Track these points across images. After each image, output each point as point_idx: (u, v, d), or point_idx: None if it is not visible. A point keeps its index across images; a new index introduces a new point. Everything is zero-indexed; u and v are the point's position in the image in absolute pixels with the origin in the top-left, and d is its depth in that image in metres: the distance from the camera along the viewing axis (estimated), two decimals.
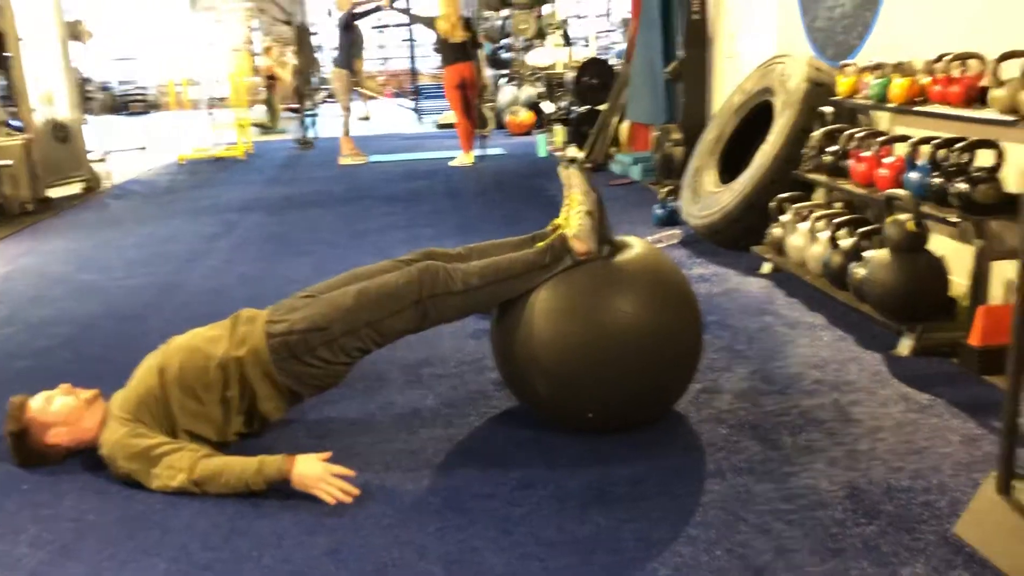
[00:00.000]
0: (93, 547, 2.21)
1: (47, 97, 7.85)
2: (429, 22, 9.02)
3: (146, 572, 2.10)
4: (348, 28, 9.73)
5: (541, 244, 2.70)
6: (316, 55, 12.84)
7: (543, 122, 11.69)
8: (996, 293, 3.40)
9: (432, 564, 2.07)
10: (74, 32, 8.32)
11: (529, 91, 12.81)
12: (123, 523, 2.32)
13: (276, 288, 4.54)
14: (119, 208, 7.43)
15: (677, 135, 6.73)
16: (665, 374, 2.67)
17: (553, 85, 11.83)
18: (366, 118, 15.47)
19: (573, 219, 2.70)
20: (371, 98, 16.45)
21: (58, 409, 2.62)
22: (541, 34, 13.26)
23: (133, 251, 5.62)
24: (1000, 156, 3.19)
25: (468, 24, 9.08)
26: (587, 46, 12.26)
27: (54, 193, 7.66)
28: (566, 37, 12.08)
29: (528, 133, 11.68)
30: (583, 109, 8.83)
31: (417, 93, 15.73)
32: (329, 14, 9.58)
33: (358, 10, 9.70)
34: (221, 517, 2.31)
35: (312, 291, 2.75)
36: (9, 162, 6.84)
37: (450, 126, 13.12)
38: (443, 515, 2.28)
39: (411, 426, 2.84)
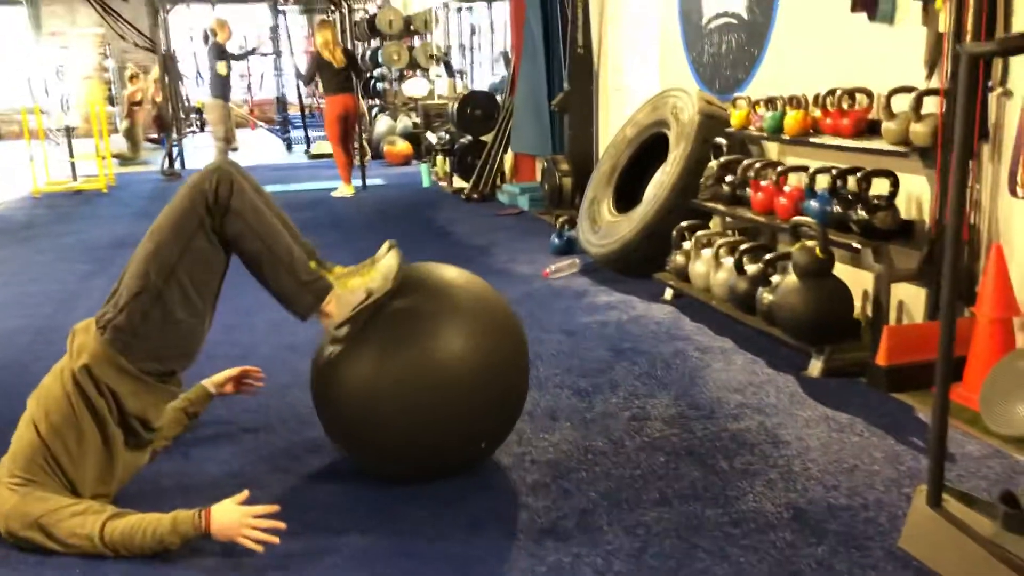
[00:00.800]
0: None
1: None
2: (316, 66, 8.89)
3: None
4: (222, 58, 9.47)
5: (314, 267, 2.50)
6: (181, 83, 12.37)
7: (421, 152, 11.68)
8: (894, 315, 3.60)
9: None
10: None
11: (405, 121, 12.78)
12: None
13: None
14: None
15: (565, 166, 6.85)
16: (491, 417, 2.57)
17: (431, 115, 11.84)
18: (234, 148, 15.00)
19: (352, 283, 2.49)
20: (238, 127, 15.97)
21: None
22: (414, 64, 13.29)
23: (0, 292, 5.21)
24: (895, 184, 3.38)
25: (349, 52, 9.00)
26: (463, 78, 12.33)
27: None
28: (448, 68, 12.13)
29: (407, 163, 11.62)
30: (467, 140, 8.85)
31: (286, 123, 15.39)
32: (191, 39, 9.26)
33: (235, 52, 9.53)
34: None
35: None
36: None
37: (321, 156, 12.94)
38: (397, 562, 2.19)
39: (325, 475, 2.72)
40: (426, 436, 2.44)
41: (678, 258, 4.38)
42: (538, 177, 8.36)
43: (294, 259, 2.44)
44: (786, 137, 4.01)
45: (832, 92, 3.77)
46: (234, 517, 2.19)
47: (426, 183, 9.53)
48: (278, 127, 16.20)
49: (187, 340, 2.46)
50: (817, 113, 3.88)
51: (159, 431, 2.61)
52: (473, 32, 14.61)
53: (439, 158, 9.97)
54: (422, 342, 2.42)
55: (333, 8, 14.70)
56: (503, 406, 2.58)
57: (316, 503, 2.51)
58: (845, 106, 3.72)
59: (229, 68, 9.79)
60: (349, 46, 14.37)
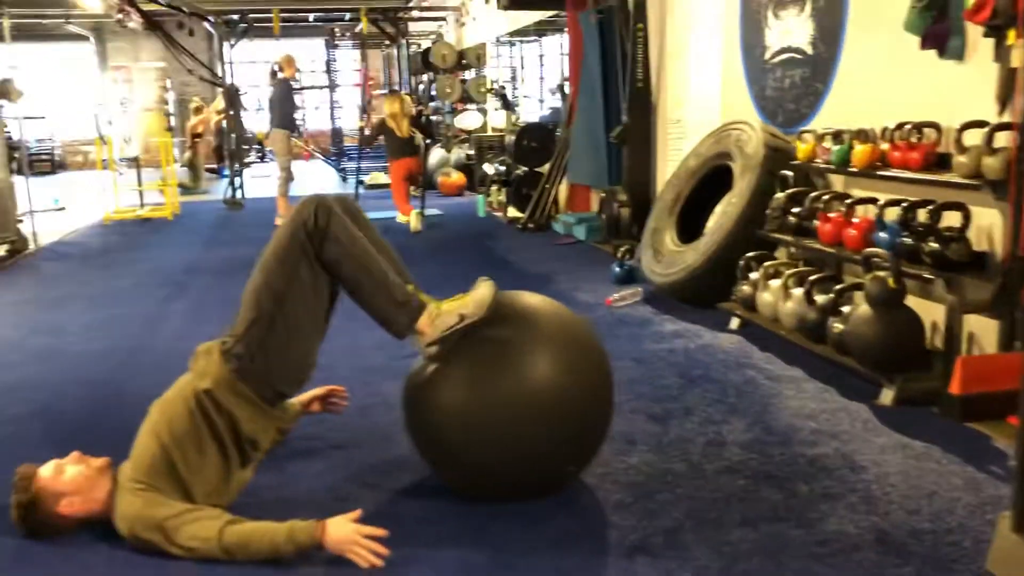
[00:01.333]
0: None
1: None
2: (379, 131, 9.15)
3: None
4: (289, 91, 9.80)
5: (411, 290, 2.63)
6: (242, 116, 12.74)
7: (475, 183, 11.89)
8: (964, 346, 3.63)
9: None
10: (3, 91, 8.08)
11: (458, 153, 13.01)
12: None
13: None
14: (54, 270, 7.18)
15: (623, 196, 6.96)
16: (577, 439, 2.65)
17: (484, 147, 12.05)
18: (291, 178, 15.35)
19: (446, 306, 2.60)
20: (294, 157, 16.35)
21: (71, 478, 2.52)
22: (467, 98, 13.55)
23: (84, 315, 5.44)
24: (967, 217, 3.44)
25: (418, 118, 9.25)
26: (515, 109, 12.54)
27: None
28: (505, 101, 12.35)
29: (460, 194, 11.83)
30: (523, 171, 9.02)
31: (341, 153, 15.74)
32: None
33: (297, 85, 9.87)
34: None
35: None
36: None
37: (376, 187, 13.21)
38: (492, 573, 2.29)
39: (420, 491, 2.83)
40: (515, 457, 2.54)
41: (744, 288, 4.45)
42: (593, 207, 8.51)
43: (389, 281, 2.58)
44: (854, 169, 4.08)
45: (901, 126, 3.84)
46: (347, 532, 2.32)
47: (481, 213, 9.71)
48: (333, 158, 16.56)
49: (300, 365, 2.63)
50: (885, 146, 3.95)
51: (264, 451, 2.75)
52: (521, 67, 14.88)
53: (494, 188, 10.16)
54: (513, 367, 2.53)
55: (388, 43, 15.08)
56: (590, 429, 2.67)
57: (408, 516, 2.62)
58: (913, 140, 3.79)
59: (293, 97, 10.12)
60: (402, 79, 14.74)
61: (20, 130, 9.37)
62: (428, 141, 10.37)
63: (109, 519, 2.52)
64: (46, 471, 2.53)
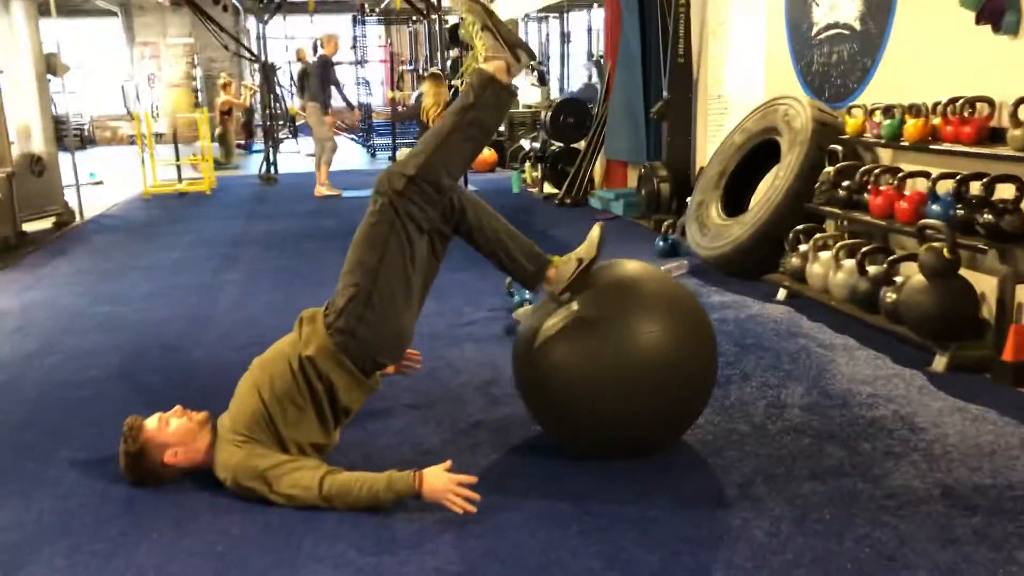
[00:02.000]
0: (254, 556, 2.29)
1: (24, 130, 7.75)
2: (411, 111, 9.22)
3: None
4: (327, 67, 9.92)
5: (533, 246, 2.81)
6: (279, 92, 12.86)
7: (506, 159, 11.98)
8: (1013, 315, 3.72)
9: (589, 561, 2.22)
10: (50, 65, 8.23)
11: None
12: (270, 534, 2.40)
13: None
14: (104, 242, 7.35)
15: (663, 172, 7.05)
16: (684, 402, 2.77)
17: (515, 123, 12.14)
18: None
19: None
20: None
21: (174, 430, 2.68)
22: None
23: (141, 284, 5.61)
24: (1021, 189, 3.52)
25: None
26: (546, 85, 12.60)
27: (28, 227, 7.54)
28: (542, 77, 12.41)
29: (491, 170, 11.92)
30: (559, 147, 9.11)
31: (370, 130, 15.83)
32: (287, 49, 9.70)
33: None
34: (365, 526, 2.41)
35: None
36: None
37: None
38: (580, 519, 2.43)
39: (502, 446, 2.97)
40: (624, 417, 2.65)
41: (794, 260, 4.56)
42: (629, 183, 8.59)
43: (520, 240, 2.79)
44: (905, 144, 4.17)
45: (954, 100, 3.92)
46: (443, 481, 2.45)
47: (515, 189, 9.81)
48: (361, 134, 16.65)
49: (398, 338, 2.75)
50: (936, 121, 4.03)
51: (353, 416, 2.89)
52: (551, 41, 14.91)
53: (528, 164, 10.25)
54: (624, 332, 2.63)
55: (418, 18, 15.12)
56: (697, 394, 2.79)
57: (491, 469, 2.76)
58: (966, 114, 3.87)
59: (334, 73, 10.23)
60: (431, 55, 14.79)
61: (66, 104, 9.50)
62: None
63: (209, 469, 2.68)
64: (152, 423, 2.69)
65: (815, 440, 2.91)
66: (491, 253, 2.81)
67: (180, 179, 10.74)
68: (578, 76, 13.91)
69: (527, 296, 4.53)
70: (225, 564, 2.27)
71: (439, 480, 2.47)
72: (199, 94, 20.68)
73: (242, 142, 16.39)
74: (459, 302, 4.83)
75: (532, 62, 2.71)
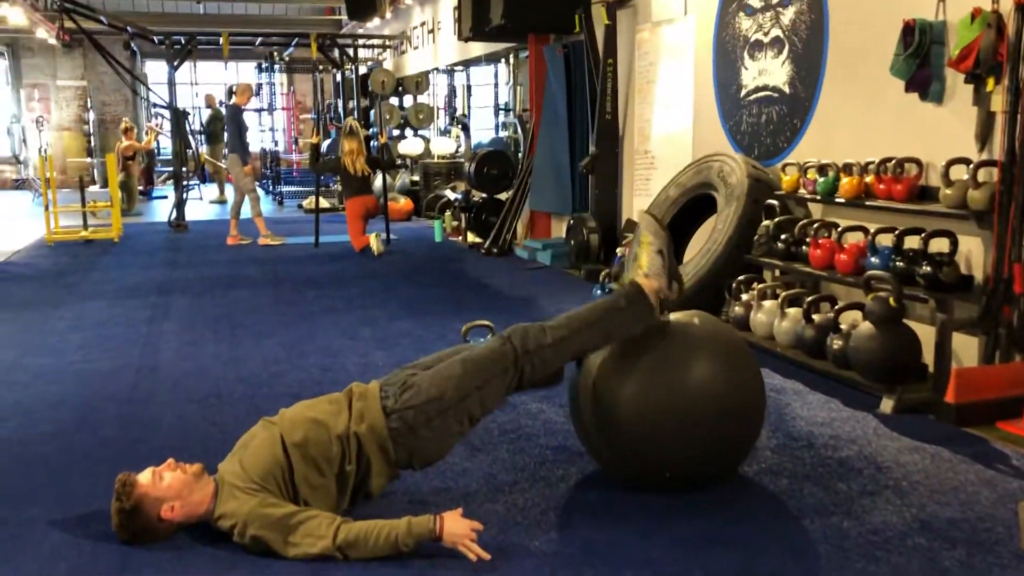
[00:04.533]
0: None
1: None
2: (333, 167, 9.10)
3: None
4: (238, 117, 9.85)
5: (617, 287, 2.98)
6: (191, 138, 12.58)
7: (422, 208, 12.05)
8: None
9: None
10: None
11: (404, 178, 13.17)
12: None
13: (261, 368, 4.58)
14: (15, 291, 7.02)
15: (592, 223, 7.26)
16: (740, 433, 2.99)
17: (431, 174, 12.25)
18: (222, 200, 15.21)
19: (643, 258, 2.92)
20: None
21: (170, 483, 2.61)
22: (405, 123, 13.75)
23: (72, 335, 5.39)
24: (955, 243, 3.83)
25: (373, 159, 9.09)
26: (468, 137, 12.82)
27: None
28: (466, 129, 12.61)
29: (408, 219, 11.96)
30: (482, 197, 9.25)
31: (278, 178, 15.66)
32: (196, 95, 9.58)
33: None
34: None
35: (416, 366, 2.90)
36: None
37: (315, 211, 13.20)
38: (590, 563, 2.49)
39: (497, 490, 3.01)
40: (680, 451, 2.84)
41: (736, 308, 4.77)
42: (553, 233, 8.79)
43: (601, 306, 2.89)
44: (840, 200, 4.47)
45: (886, 160, 4.24)
46: (462, 526, 2.49)
47: (438, 237, 9.87)
48: (268, 182, 16.43)
49: (443, 450, 2.82)
50: (869, 179, 4.34)
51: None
52: (454, 95, 15.16)
53: (447, 214, 10.35)
54: (682, 373, 2.85)
55: (331, 68, 15.14)
56: (749, 432, 3.00)
57: (491, 517, 2.77)
58: (897, 174, 4.19)
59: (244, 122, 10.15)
60: (340, 104, 14.81)
61: None
62: (391, 168, 10.32)
63: (206, 522, 2.62)
64: (145, 477, 2.62)
65: (793, 480, 3.06)
66: (606, 343, 2.91)
67: (86, 226, 10.35)
68: (484, 128, 14.23)
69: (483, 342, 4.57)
70: None
71: (458, 525, 2.50)
72: (92, 138, 20.03)
73: (142, 188, 15.94)
74: (411, 352, 4.83)
75: (679, 296, 2.96)
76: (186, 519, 2.63)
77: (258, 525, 2.51)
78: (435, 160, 12.52)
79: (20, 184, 19.39)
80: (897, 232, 3.99)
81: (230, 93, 10.32)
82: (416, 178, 12.80)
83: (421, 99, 14.16)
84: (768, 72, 5.42)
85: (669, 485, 2.93)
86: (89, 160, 19.58)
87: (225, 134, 11.44)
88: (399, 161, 13.44)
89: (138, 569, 2.49)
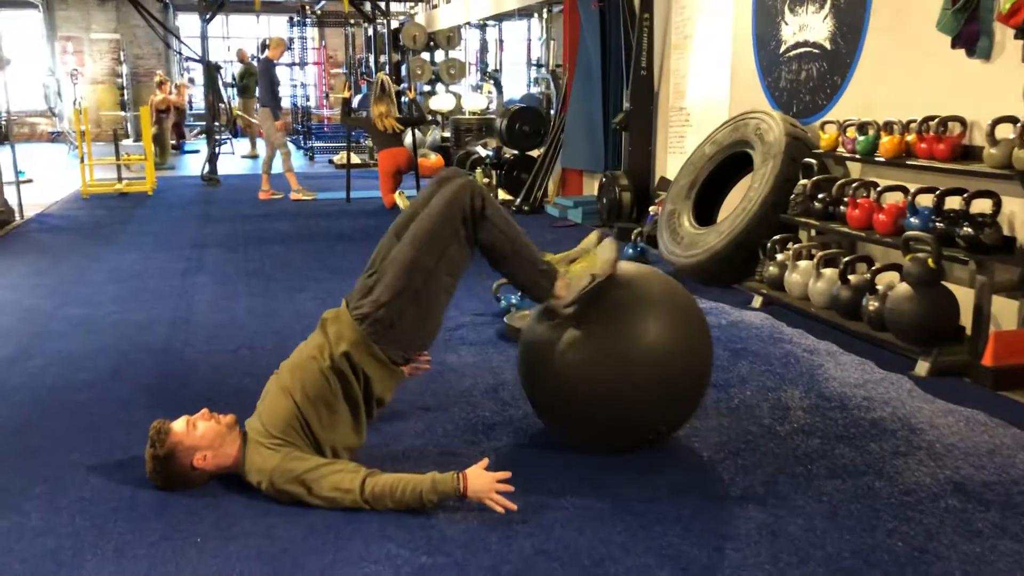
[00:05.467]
0: (307, 558, 2.29)
1: None
2: (364, 121, 9.10)
3: None
4: (270, 71, 9.83)
5: (547, 258, 2.84)
6: (223, 92, 12.61)
7: (453, 164, 12.00)
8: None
9: (642, 557, 2.29)
10: None
11: (434, 134, 13.11)
12: (316, 535, 2.40)
13: (292, 321, 4.62)
14: (53, 243, 7.12)
15: (624, 181, 7.19)
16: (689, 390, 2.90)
17: (461, 130, 12.18)
18: (254, 155, 15.27)
19: (576, 269, 2.81)
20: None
21: (203, 433, 2.65)
22: (436, 79, 13.65)
23: (108, 287, 5.46)
24: (997, 204, 3.74)
25: (404, 119, 9.08)
26: (501, 93, 12.73)
27: None
28: (498, 85, 12.50)
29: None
30: (514, 154, 9.19)
31: (309, 134, 15.65)
32: (228, 49, 9.57)
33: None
34: (411, 527, 2.43)
35: (371, 267, 2.81)
36: None
37: (346, 166, 13.20)
38: (622, 518, 2.50)
39: (527, 444, 3.03)
40: (626, 412, 2.77)
41: (771, 268, 4.72)
42: (584, 191, 8.73)
43: (534, 254, 2.78)
44: (880, 159, 4.38)
45: (928, 119, 4.14)
46: (486, 481, 2.50)
47: None
48: (299, 137, 16.44)
49: (431, 332, 2.80)
50: (911, 138, 4.25)
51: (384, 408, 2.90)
52: (486, 50, 15.02)
53: (478, 171, 10.30)
54: (628, 329, 2.75)
55: (364, 22, 15.02)
56: (694, 389, 2.90)
57: (521, 470, 2.79)
58: (939, 132, 4.09)
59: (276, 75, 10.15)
60: (372, 58, 14.72)
61: (7, 99, 9.15)
62: (421, 124, 10.33)
63: (236, 472, 2.66)
64: (179, 426, 2.65)
65: (825, 441, 3.05)
66: (502, 265, 2.80)
67: (120, 179, 10.44)
68: (516, 83, 14.10)
69: (513, 300, 4.58)
70: (280, 565, 2.26)
71: (482, 480, 2.51)
72: (125, 92, 20.11)
73: (174, 142, 16.03)
74: None
75: (568, 309, 2.81)
76: (218, 469, 2.67)
77: (284, 480, 2.54)
78: (466, 116, 12.44)
79: (56, 137, 19.58)
80: (938, 192, 3.91)
81: (263, 47, 10.30)
82: (447, 134, 12.73)
83: (453, 54, 14.04)
84: (809, 27, 5.30)
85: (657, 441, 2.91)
86: (123, 113, 19.71)
87: (257, 88, 11.42)
88: (430, 117, 13.39)
89: (175, 513, 2.54)
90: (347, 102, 9.48)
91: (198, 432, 2.65)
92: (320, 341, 2.73)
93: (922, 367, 3.72)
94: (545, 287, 2.78)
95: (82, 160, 9.93)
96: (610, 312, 2.78)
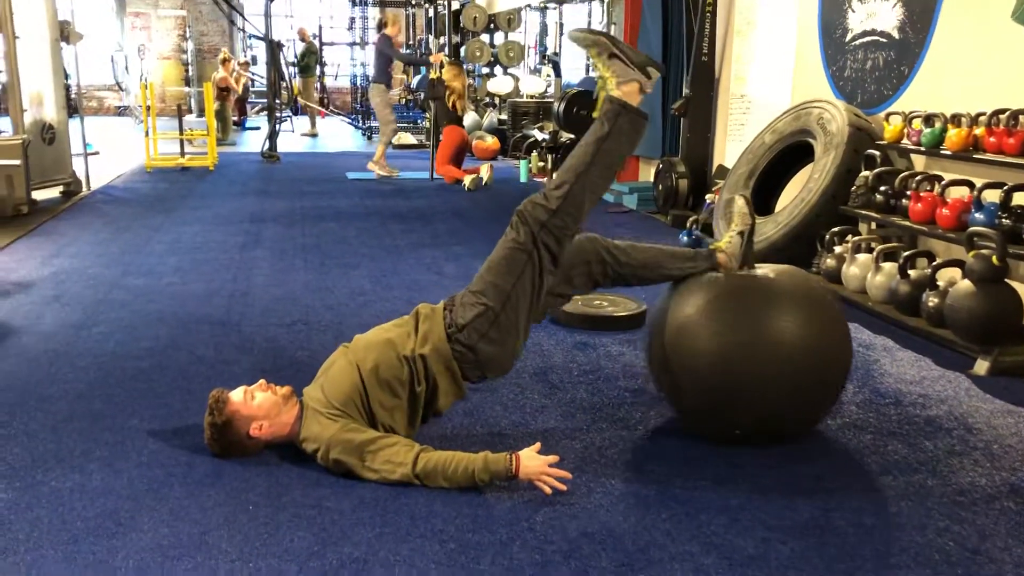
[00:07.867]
0: (356, 529, 2.33)
1: (36, 98, 7.66)
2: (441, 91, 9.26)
3: (423, 551, 2.23)
4: (388, 48, 10.02)
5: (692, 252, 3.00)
6: (285, 70, 12.75)
7: (508, 147, 12.01)
8: None
9: (686, 545, 2.29)
10: (64, 32, 8.14)
11: (491, 117, 13.12)
12: (365, 508, 2.44)
13: (347, 298, 4.68)
14: (117, 214, 7.30)
15: (682, 168, 7.13)
16: (822, 389, 2.91)
17: (519, 113, 12.17)
18: (314, 134, 15.45)
19: (727, 236, 2.99)
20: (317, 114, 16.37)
21: (260, 403, 2.71)
22: (495, 61, 13.64)
23: (168, 258, 5.59)
24: None
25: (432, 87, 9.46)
26: (560, 77, 12.68)
27: (37, 196, 7.46)
28: (556, 68, 12.47)
29: (494, 158, 11.94)
30: (570, 138, 9.16)
31: (367, 114, 15.77)
32: (291, 27, 9.71)
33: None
34: (458, 504, 2.46)
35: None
36: (16, 162, 6.66)
37: (403, 147, 13.30)
38: (666, 505, 2.50)
39: (575, 429, 3.04)
40: (761, 402, 2.79)
41: (829, 260, 4.65)
42: (639, 177, 8.67)
43: (674, 255, 2.97)
44: (946, 152, 4.27)
45: (999, 112, 4.02)
46: (538, 463, 2.52)
47: (523, 178, 9.85)
48: (356, 116, 16.59)
49: (512, 358, 2.85)
50: (979, 131, 4.14)
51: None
52: (546, 33, 14.95)
53: (534, 154, 10.30)
54: (766, 323, 2.79)
55: (415, 3, 15.09)
56: (831, 385, 2.94)
57: (570, 453, 2.81)
58: (1009, 126, 3.98)
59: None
60: (430, 40, 14.78)
61: (77, 73, 9.39)
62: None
63: (291, 443, 2.72)
64: (237, 396, 2.72)
65: (877, 436, 3.00)
66: (661, 278, 2.98)
67: (183, 153, 10.65)
68: (574, 67, 14.02)
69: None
70: (328, 535, 2.31)
71: (534, 462, 2.53)
72: (189, 68, 20.47)
73: (235, 119, 16.29)
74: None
75: (660, 73, 2.84)
76: (273, 438, 2.73)
77: (340, 450, 2.59)
78: (524, 99, 12.42)
79: (122, 111, 20.02)
80: (1006, 188, 3.81)
81: (380, 25, 10.59)
82: (504, 117, 12.73)
83: (512, 36, 14.01)
84: (877, 15, 5.18)
85: (745, 439, 2.89)
86: (186, 89, 20.08)
87: (318, 67, 11.55)
88: (486, 100, 13.41)
89: (229, 481, 2.60)
90: (433, 82, 9.54)
91: (255, 402, 2.71)
92: (408, 332, 2.78)
93: (981, 366, 3.64)
94: (621, 109, 2.77)
95: (147, 134, 10.14)
96: (746, 306, 2.84)
